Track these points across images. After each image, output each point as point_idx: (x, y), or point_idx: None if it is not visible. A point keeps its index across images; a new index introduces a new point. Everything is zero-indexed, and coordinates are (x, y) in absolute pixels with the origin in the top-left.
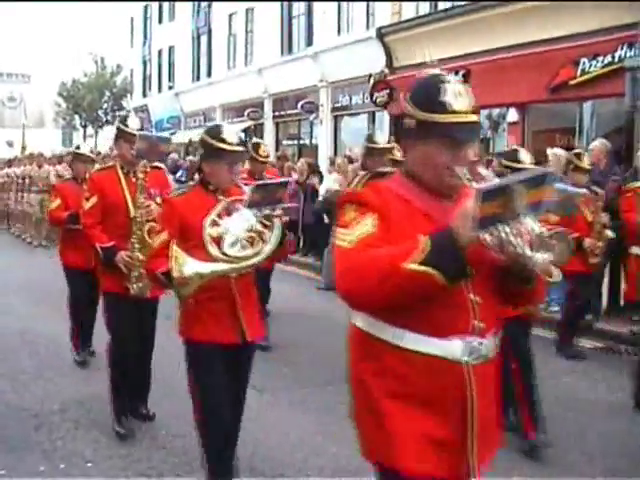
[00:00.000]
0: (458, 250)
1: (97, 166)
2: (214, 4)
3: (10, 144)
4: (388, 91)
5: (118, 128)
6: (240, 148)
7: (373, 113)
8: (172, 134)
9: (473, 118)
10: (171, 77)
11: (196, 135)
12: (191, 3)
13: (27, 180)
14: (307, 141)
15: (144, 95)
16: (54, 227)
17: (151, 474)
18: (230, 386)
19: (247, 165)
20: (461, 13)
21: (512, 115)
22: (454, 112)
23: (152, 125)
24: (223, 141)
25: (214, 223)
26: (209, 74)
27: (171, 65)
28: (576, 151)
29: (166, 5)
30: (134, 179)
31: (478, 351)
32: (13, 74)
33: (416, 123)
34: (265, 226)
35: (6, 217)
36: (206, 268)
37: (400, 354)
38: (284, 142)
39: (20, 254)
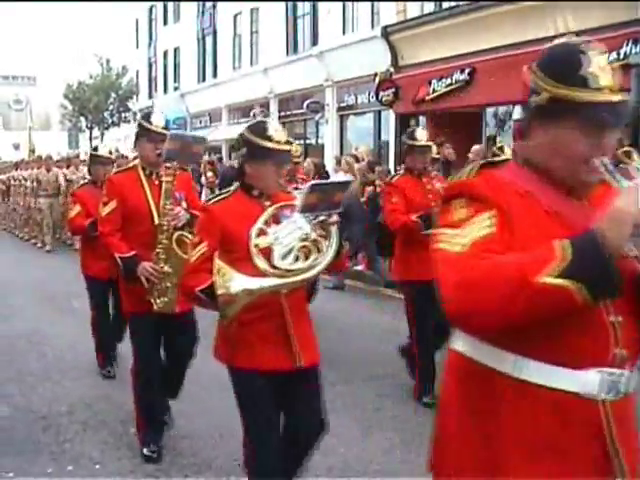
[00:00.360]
0: (608, 260)
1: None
2: (219, 5)
3: (16, 147)
4: (394, 90)
5: (140, 125)
6: (289, 147)
7: (379, 112)
8: None
9: (621, 97)
10: (177, 78)
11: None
12: (196, 4)
13: (35, 184)
14: (313, 141)
15: (150, 96)
16: (75, 235)
17: (159, 475)
18: (286, 419)
19: None
20: (466, 11)
21: (518, 113)
22: (599, 89)
23: None
24: (269, 139)
25: (261, 232)
26: (215, 75)
27: (176, 66)
28: (626, 149)
29: (171, 6)
30: (157, 182)
31: (618, 386)
32: (19, 76)
33: (548, 100)
34: (321, 234)
35: (13, 221)
36: (255, 283)
37: (521, 388)
38: None
39: (26, 256)
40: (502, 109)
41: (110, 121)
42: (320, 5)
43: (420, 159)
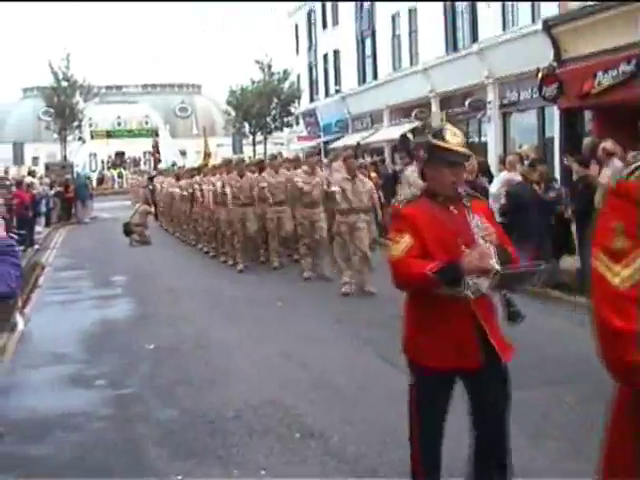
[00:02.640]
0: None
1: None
2: (377, 6)
3: (183, 153)
4: (557, 85)
5: None
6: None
7: (542, 108)
8: (340, 138)
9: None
10: (337, 81)
11: (363, 138)
12: (354, 6)
13: (226, 191)
14: (476, 139)
15: (311, 100)
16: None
17: None
18: None
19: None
20: None
21: None
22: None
23: (320, 129)
24: None
25: None
26: (375, 76)
27: (337, 69)
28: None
29: (329, 10)
30: None
31: None
32: (184, 85)
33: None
34: None
35: (197, 234)
36: None
37: None
38: None
39: (194, 262)
40: None
41: (272, 126)
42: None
43: None
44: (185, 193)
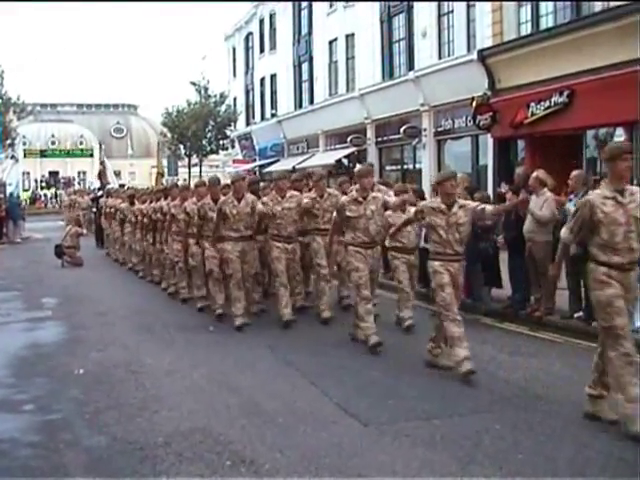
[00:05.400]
0: None
1: None
2: (314, 32)
3: (117, 174)
4: (491, 114)
5: None
6: None
7: (476, 137)
8: (276, 161)
9: None
10: (274, 105)
11: (298, 162)
12: (292, 31)
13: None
14: (410, 166)
15: (247, 123)
16: None
17: None
18: None
19: None
20: (564, 32)
21: (620, 134)
22: None
23: (256, 153)
24: None
25: None
26: (311, 101)
27: (273, 93)
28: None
29: (267, 34)
30: None
31: None
32: (120, 105)
33: None
34: None
35: (160, 268)
36: None
37: None
38: (387, 167)
39: (127, 283)
40: (602, 131)
41: (208, 148)
42: (415, 29)
43: None
44: (146, 220)
